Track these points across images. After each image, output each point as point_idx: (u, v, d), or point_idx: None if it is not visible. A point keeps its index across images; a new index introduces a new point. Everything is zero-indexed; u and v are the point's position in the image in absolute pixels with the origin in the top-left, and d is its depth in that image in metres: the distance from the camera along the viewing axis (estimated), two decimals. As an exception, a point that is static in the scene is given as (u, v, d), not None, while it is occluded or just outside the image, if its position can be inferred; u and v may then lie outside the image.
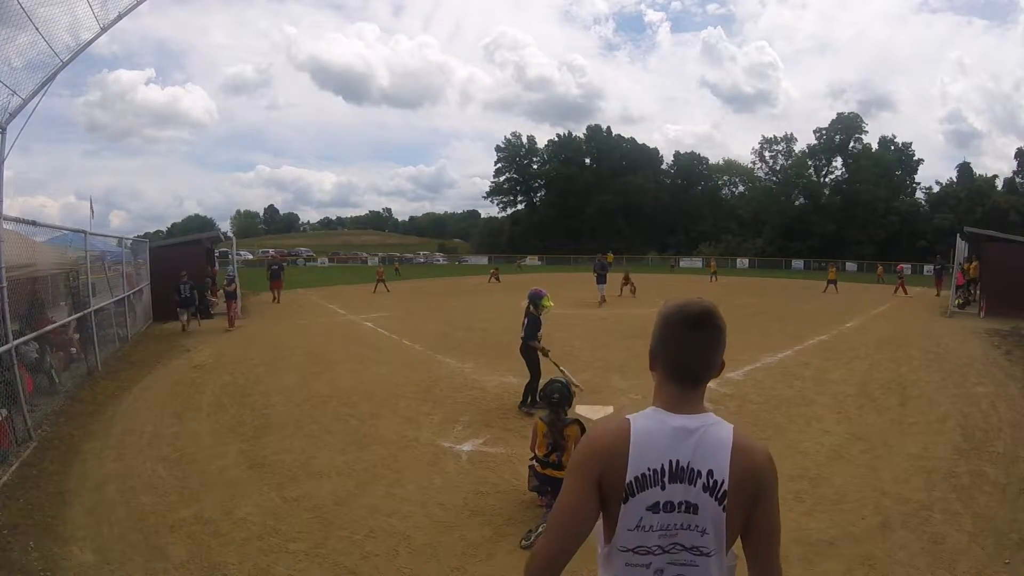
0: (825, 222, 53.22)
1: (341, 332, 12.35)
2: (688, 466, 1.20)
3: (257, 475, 4.64)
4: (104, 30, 5.99)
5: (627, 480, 1.20)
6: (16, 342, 5.43)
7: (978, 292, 15.79)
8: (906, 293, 21.05)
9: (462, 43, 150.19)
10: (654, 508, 1.20)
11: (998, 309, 13.76)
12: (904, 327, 12.95)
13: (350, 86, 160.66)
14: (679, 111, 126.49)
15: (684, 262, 50.13)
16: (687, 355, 1.26)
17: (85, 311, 8.24)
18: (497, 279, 27.42)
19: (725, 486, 1.19)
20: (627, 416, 1.26)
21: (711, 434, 1.22)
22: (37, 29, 5.28)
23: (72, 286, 8.95)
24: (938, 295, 19.93)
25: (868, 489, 4.27)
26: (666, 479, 1.20)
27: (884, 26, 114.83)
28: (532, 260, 54.61)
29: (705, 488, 1.19)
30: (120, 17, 6.13)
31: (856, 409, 6.37)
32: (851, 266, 43.04)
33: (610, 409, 6.18)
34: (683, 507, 1.20)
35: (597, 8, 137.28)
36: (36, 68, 5.58)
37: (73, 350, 8.20)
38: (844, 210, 53.23)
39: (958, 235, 17.90)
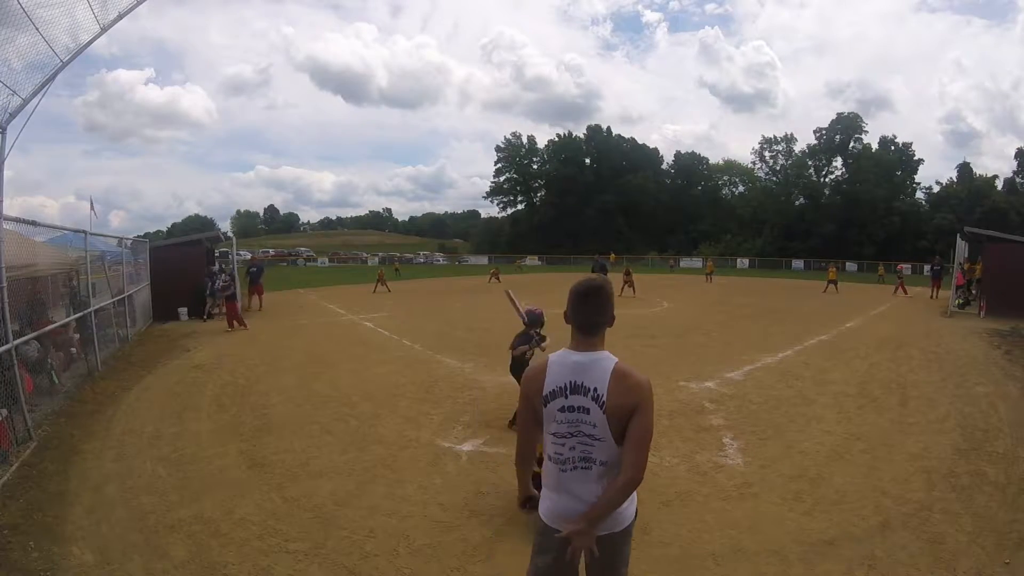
0: (825, 222, 53.21)
1: (341, 332, 12.34)
2: (582, 384, 1.90)
3: (257, 475, 4.64)
4: (104, 30, 5.98)
5: (544, 393, 1.95)
6: (16, 342, 5.42)
7: (978, 292, 15.77)
8: (906, 293, 21.04)
9: (460, 43, 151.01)
10: (562, 409, 1.93)
11: (998, 309, 13.76)
12: (904, 327, 12.94)
13: (349, 86, 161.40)
14: (678, 111, 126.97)
15: (684, 262, 50.08)
16: (582, 315, 1.96)
17: (85, 311, 8.23)
18: (497, 279, 27.43)
19: (604, 397, 1.86)
20: (549, 356, 2.02)
21: (599, 364, 1.90)
22: (37, 30, 5.27)
23: (72, 286, 8.95)
24: (935, 297, 19.55)
25: (868, 489, 4.27)
26: (568, 392, 1.91)
27: (883, 26, 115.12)
28: (532, 260, 54.60)
29: (593, 398, 1.88)
30: (120, 17, 6.12)
31: (856, 409, 6.36)
32: (851, 266, 43.06)
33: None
34: (580, 410, 1.90)
35: (595, 8, 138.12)
36: (36, 68, 5.56)
37: (73, 350, 8.18)
38: (844, 210, 53.20)
39: (958, 235, 17.89)
